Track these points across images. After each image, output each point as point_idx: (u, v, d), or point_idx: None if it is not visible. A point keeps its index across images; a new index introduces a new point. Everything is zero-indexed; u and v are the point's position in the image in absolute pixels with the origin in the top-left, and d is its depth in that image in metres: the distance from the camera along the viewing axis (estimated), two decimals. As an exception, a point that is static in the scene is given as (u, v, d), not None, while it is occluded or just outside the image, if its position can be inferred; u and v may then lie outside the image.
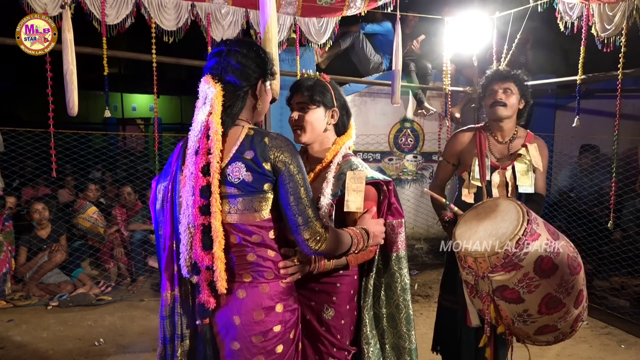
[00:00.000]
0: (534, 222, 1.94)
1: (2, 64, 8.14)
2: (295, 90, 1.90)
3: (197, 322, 1.57)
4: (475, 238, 1.97)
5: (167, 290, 1.60)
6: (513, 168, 2.56)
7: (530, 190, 2.55)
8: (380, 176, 1.87)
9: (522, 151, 2.57)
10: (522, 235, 1.87)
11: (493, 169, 2.59)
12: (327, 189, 1.79)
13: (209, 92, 1.55)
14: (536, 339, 2.06)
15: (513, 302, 1.91)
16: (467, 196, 2.62)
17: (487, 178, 2.58)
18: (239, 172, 1.51)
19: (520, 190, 2.55)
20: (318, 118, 1.87)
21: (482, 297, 1.97)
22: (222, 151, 1.52)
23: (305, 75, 1.96)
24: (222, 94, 1.55)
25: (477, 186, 2.60)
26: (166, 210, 1.61)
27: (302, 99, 1.87)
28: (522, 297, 1.88)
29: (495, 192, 2.56)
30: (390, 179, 1.89)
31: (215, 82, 1.55)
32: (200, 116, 1.55)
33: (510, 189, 2.56)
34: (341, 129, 1.95)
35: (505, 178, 2.56)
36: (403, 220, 1.92)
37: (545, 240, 1.93)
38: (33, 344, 3.75)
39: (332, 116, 1.90)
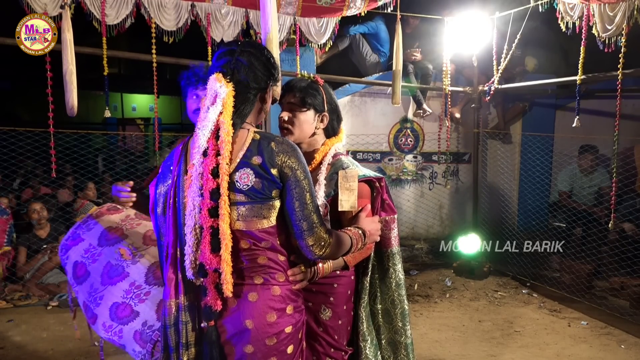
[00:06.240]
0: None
1: (2, 64, 8.12)
2: (287, 90, 1.89)
3: (203, 325, 1.55)
4: None
5: (171, 299, 1.58)
6: None
7: None
8: (372, 173, 1.88)
9: None
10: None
11: None
12: (320, 191, 1.79)
13: (221, 91, 1.51)
14: None
15: None
16: None
17: None
18: (248, 179, 1.49)
19: None
20: (307, 120, 1.86)
21: None
22: (231, 153, 1.49)
23: (300, 76, 1.95)
24: (234, 94, 1.52)
25: None
26: (168, 216, 1.59)
27: (293, 100, 1.86)
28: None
29: None
30: (382, 176, 1.90)
31: (227, 82, 1.52)
32: (211, 115, 1.50)
33: None
34: (330, 132, 1.94)
35: None
36: (395, 216, 1.94)
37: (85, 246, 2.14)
38: (33, 344, 3.75)
39: (322, 120, 1.89)
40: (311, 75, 1.95)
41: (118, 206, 2.25)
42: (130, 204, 2.21)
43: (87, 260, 2.10)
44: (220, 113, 1.50)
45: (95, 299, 2.03)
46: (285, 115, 1.88)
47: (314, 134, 1.89)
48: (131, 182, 2.21)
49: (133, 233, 2.17)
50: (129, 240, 2.14)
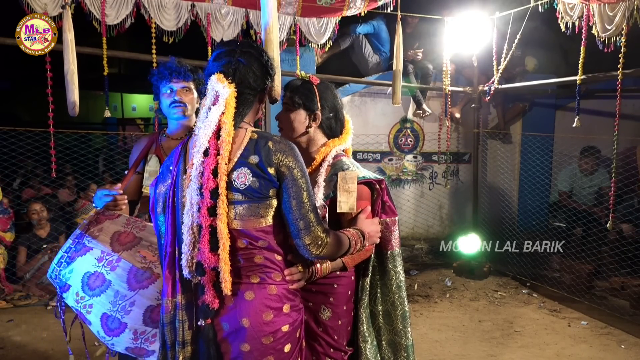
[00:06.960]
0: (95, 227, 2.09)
1: (2, 64, 8.12)
2: (284, 90, 1.94)
3: (200, 323, 1.56)
4: None
5: (168, 297, 1.59)
6: None
7: None
8: (372, 175, 1.88)
9: None
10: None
11: None
12: (319, 193, 1.79)
13: (224, 91, 1.52)
14: None
15: None
16: None
17: None
18: (245, 178, 1.50)
19: None
20: (296, 120, 1.88)
21: None
22: (229, 152, 1.51)
23: (299, 77, 1.97)
24: (235, 95, 1.54)
25: None
26: (167, 216, 1.60)
27: (285, 100, 1.91)
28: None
29: None
30: (382, 178, 1.91)
31: (230, 83, 1.54)
32: (213, 115, 1.51)
33: None
34: (327, 132, 1.93)
35: None
36: (396, 218, 1.93)
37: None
38: (33, 344, 3.75)
39: (314, 119, 1.90)
40: (307, 75, 1.97)
41: (111, 211, 2.18)
42: (124, 206, 2.18)
43: (104, 269, 2.00)
44: (222, 113, 1.51)
45: (123, 307, 1.95)
46: (279, 115, 1.92)
47: (306, 132, 1.89)
48: (119, 184, 2.17)
49: (145, 235, 2.10)
50: (146, 242, 2.07)
